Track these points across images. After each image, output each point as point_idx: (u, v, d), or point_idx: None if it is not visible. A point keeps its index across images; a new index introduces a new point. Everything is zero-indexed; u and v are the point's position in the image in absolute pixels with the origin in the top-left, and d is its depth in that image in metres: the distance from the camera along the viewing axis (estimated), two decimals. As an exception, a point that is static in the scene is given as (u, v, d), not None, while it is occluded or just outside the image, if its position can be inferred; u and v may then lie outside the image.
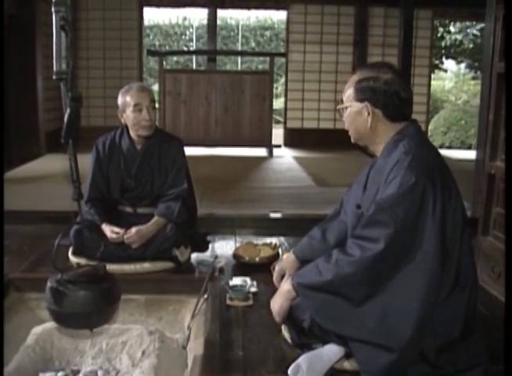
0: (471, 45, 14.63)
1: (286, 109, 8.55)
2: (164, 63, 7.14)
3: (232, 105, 7.19)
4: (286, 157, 7.33)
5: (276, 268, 2.18)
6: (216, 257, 2.92)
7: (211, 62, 7.92)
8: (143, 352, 2.21)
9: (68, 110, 1.79)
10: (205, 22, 15.00)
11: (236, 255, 2.95)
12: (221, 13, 16.33)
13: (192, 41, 16.25)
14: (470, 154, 8.73)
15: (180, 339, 2.41)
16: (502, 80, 2.56)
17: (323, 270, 1.73)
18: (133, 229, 2.77)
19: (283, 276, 2.15)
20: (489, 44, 3.58)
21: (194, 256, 3.01)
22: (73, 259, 2.85)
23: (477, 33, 14.26)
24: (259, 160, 7.02)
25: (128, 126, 2.95)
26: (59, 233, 3.40)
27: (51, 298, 1.86)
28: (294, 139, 8.44)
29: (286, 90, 8.46)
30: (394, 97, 1.79)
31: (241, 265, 2.90)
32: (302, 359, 1.76)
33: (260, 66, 15.21)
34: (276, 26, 16.60)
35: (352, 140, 1.94)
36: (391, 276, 1.69)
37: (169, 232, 2.81)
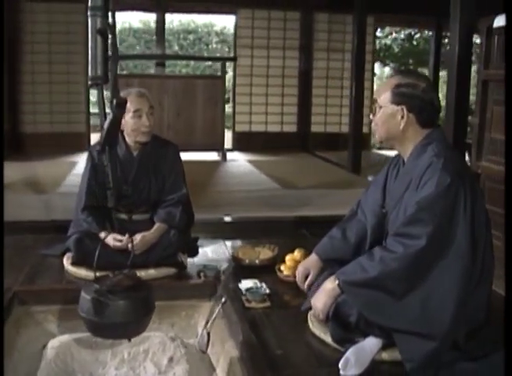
0: (397, 50, 15.32)
1: (234, 113, 8.62)
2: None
3: (185, 109, 7.17)
4: (239, 161, 7.39)
5: (300, 269, 2.24)
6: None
7: (160, 66, 7.85)
8: (171, 359, 2.21)
9: (111, 116, 1.78)
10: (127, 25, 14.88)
11: (235, 258, 2.98)
12: (143, 17, 16.27)
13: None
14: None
15: (197, 344, 2.42)
16: (486, 86, 2.75)
17: (368, 267, 1.82)
18: (138, 236, 2.74)
19: (306, 277, 2.23)
20: (455, 50, 3.84)
21: (195, 261, 3.01)
22: (72, 270, 2.78)
23: (404, 38, 14.94)
24: (214, 164, 7.05)
25: (122, 132, 2.92)
26: (41, 243, 3.34)
27: (91, 309, 1.83)
28: (242, 142, 8.51)
29: (234, 94, 8.53)
30: (428, 104, 1.92)
31: (241, 268, 2.94)
32: (350, 353, 1.84)
33: (198, 72, 15.19)
34: (200, 30, 16.68)
35: (378, 139, 2.03)
36: (430, 269, 1.80)
37: (172, 237, 2.81)
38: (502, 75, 2.69)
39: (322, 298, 1.92)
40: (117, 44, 1.81)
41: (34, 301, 2.49)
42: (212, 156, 7.54)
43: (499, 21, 2.59)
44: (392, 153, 8.12)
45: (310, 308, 2.15)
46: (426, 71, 14.80)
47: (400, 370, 1.87)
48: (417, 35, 14.26)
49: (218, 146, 7.43)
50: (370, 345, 1.89)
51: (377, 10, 7.47)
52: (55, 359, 2.17)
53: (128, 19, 16.69)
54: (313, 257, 2.24)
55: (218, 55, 15.96)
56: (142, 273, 2.74)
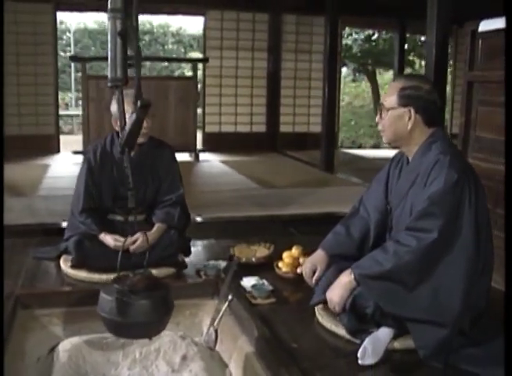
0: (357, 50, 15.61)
1: (204, 113, 8.63)
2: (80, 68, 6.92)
3: (157, 110, 7.13)
4: (212, 161, 7.42)
5: (307, 264, 2.31)
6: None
7: (128, 68, 7.76)
8: (184, 357, 2.25)
9: (134, 117, 1.80)
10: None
11: (232, 256, 3.03)
12: (98, 18, 16.08)
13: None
14: (378, 153, 9.41)
15: (203, 342, 2.45)
16: (471, 87, 2.89)
17: (383, 261, 1.91)
18: (139, 237, 2.76)
19: (313, 272, 2.30)
20: (432, 52, 4.00)
21: (191, 260, 3.04)
22: (72, 272, 2.76)
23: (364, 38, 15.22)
24: (188, 164, 7.04)
25: (118, 133, 2.92)
26: (31, 246, 3.30)
27: (113, 310, 1.84)
28: (212, 143, 8.53)
29: (204, 95, 8.54)
30: (432, 104, 2.02)
31: (238, 266, 2.98)
32: (367, 342, 1.92)
33: (154, 73, 15.12)
34: (155, 30, 16.62)
35: (386, 140, 2.12)
36: (439, 261, 1.91)
37: (172, 237, 2.83)
38: (486, 76, 2.84)
39: (338, 292, 1.99)
40: (139, 46, 1.83)
41: (38, 305, 2.48)
42: (184, 156, 7.53)
43: (485, 26, 2.73)
44: (358, 152, 8.31)
45: (319, 302, 2.23)
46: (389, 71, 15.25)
47: (411, 358, 1.97)
48: (375, 36, 14.55)
49: (191, 147, 7.43)
50: (383, 334, 1.98)
51: (344, 12, 7.62)
52: (68, 362, 2.17)
53: (83, 20, 16.53)
54: (319, 253, 2.31)
55: (174, 56, 15.95)
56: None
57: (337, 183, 6.02)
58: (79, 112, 12.37)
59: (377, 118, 2.10)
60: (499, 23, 2.68)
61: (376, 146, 10.58)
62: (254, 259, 3.00)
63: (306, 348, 2.04)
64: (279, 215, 4.10)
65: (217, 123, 8.64)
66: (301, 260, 2.83)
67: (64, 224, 3.59)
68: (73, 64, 13.38)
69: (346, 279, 1.99)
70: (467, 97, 2.89)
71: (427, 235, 1.88)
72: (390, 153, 9.91)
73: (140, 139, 2.85)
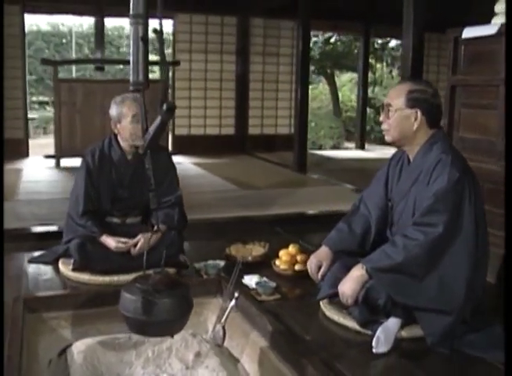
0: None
1: (173, 116, 8.64)
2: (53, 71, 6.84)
3: (129, 114, 7.14)
4: (185, 164, 7.44)
5: (313, 260, 2.41)
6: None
7: (99, 70, 7.74)
8: (198, 354, 2.30)
9: (158, 120, 1.85)
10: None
11: (228, 256, 3.10)
12: (51, 20, 15.78)
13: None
14: (342, 154, 9.64)
15: (210, 339, 2.52)
16: (454, 91, 3.07)
17: (393, 254, 2.03)
18: (141, 238, 2.80)
19: (319, 268, 2.41)
20: (408, 56, 4.19)
21: (189, 261, 3.10)
22: (74, 275, 2.78)
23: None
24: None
25: (116, 136, 2.97)
26: (23, 250, 3.30)
27: (138, 309, 1.88)
28: (182, 145, 8.56)
29: (173, 98, 8.55)
30: (436, 108, 2.17)
31: (234, 265, 3.05)
32: (379, 332, 2.04)
33: (109, 76, 14.97)
34: (110, 33, 16.47)
35: (390, 139, 2.23)
36: (443, 254, 2.05)
37: (173, 238, 2.89)
38: (468, 80, 3.02)
39: (350, 285, 2.10)
40: (164, 50, 1.89)
41: (45, 309, 2.48)
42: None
43: (467, 33, 2.90)
44: (324, 153, 8.50)
45: (327, 296, 2.33)
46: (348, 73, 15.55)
47: (418, 346, 2.10)
48: (333, 39, 14.80)
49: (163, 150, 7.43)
50: (393, 324, 2.10)
51: (312, 16, 7.79)
52: (84, 363, 2.20)
53: (35, 22, 16.18)
54: (324, 249, 2.42)
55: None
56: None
57: (311, 184, 6.16)
58: (34, 115, 12.16)
59: (382, 117, 2.23)
60: (480, 30, 2.86)
61: (336, 147, 10.83)
62: (250, 258, 3.08)
63: (319, 340, 2.14)
64: (264, 216, 4.19)
65: (186, 126, 8.68)
66: (298, 257, 2.93)
67: (53, 228, 3.61)
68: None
69: (358, 273, 2.10)
70: (451, 100, 3.05)
71: (434, 229, 2.01)
72: (353, 153, 10.26)
73: (140, 142, 2.87)
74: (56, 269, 2.91)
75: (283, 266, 2.92)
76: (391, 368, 1.99)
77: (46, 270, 2.95)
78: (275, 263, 2.96)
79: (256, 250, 3.17)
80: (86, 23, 15.62)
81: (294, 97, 7.04)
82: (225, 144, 8.70)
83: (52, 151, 7.19)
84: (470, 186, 2.08)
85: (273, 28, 8.84)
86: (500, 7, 2.82)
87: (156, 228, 2.81)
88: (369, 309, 2.10)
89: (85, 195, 2.88)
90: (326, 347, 2.09)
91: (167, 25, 8.20)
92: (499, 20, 2.82)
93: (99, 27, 7.30)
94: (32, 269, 2.96)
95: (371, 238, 2.41)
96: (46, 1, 7.59)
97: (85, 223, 2.84)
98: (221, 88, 8.80)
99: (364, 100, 9.99)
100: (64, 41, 16.49)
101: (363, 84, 9.87)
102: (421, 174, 2.17)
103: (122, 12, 8.22)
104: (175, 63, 7.65)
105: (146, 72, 1.88)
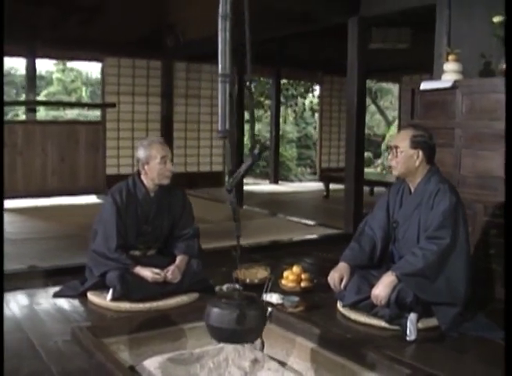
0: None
1: (104, 156, 8.78)
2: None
3: (68, 155, 7.27)
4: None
5: (335, 274, 2.92)
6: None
7: (31, 112, 7.77)
8: (255, 360, 2.69)
9: (249, 162, 2.25)
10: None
11: (238, 279, 3.51)
12: None
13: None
14: (260, 188, 10.27)
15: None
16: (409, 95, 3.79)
17: (415, 262, 2.62)
18: (175, 268, 3.13)
19: (341, 280, 2.93)
20: (353, 99, 4.92)
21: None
22: (114, 305, 3.02)
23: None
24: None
25: (139, 175, 3.29)
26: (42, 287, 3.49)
27: (232, 320, 2.22)
28: (112, 185, 8.61)
29: (104, 139, 8.71)
30: (432, 148, 2.82)
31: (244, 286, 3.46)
32: (409, 324, 2.59)
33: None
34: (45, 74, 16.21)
35: (397, 174, 2.86)
36: (448, 259, 2.67)
37: (197, 266, 3.25)
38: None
39: (384, 289, 2.64)
40: (253, 103, 2.33)
41: (105, 335, 2.73)
42: (93, 199, 7.66)
43: (425, 85, 3.64)
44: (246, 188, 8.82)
45: (354, 302, 2.85)
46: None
47: (432, 334, 2.68)
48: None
49: (101, 189, 7.60)
50: (414, 318, 2.66)
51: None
52: (163, 379, 2.50)
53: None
54: (343, 264, 2.95)
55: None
56: (178, 300, 3.14)
57: (254, 216, 6.67)
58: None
59: (390, 156, 2.85)
60: (436, 84, 3.61)
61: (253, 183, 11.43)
62: (256, 280, 3.51)
63: (357, 337, 2.65)
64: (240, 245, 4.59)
65: (116, 165, 8.85)
66: (302, 276, 3.43)
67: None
68: None
69: (389, 279, 2.65)
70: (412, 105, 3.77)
71: (444, 241, 2.64)
72: (270, 188, 10.82)
73: (166, 181, 3.26)
74: (84, 302, 3.14)
75: (290, 284, 3.40)
76: (422, 349, 2.54)
77: (76, 304, 3.15)
78: (281, 283, 3.43)
79: (261, 273, 3.61)
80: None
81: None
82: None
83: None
84: (461, 207, 2.75)
85: (195, 71, 9.38)
86: (450, 66, 3.60)
87: (181, 258, 3.23)
88: (399, 307, 2.65)
89: (117, 232, 3.15)
90: (364, 342, 2.59)
91: (96, 68, 8.44)
92: (449, 76, 3.59)
93: (30, 68, 7.38)
94: (65, 303, 3.16)
95: (378, 253, 2.99)
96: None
97: (119, 257, 3.10)
98: (148, 128, 9.11)
99: (276, 137, 10.75)
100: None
101: (276, 123, 10.65)
102: (423, 200, 2.79)
103: (53, 55, 8.36)
104: (111, 105, 7.89)
105: (232, 122, 2.26)
